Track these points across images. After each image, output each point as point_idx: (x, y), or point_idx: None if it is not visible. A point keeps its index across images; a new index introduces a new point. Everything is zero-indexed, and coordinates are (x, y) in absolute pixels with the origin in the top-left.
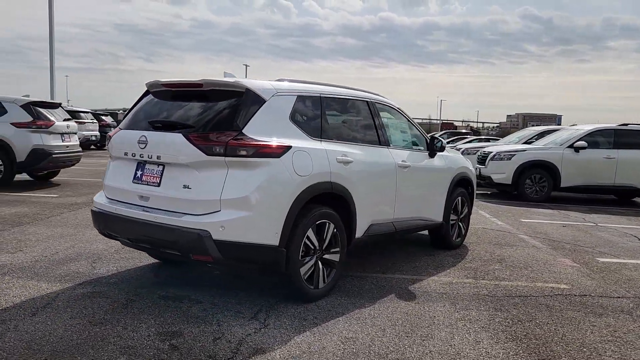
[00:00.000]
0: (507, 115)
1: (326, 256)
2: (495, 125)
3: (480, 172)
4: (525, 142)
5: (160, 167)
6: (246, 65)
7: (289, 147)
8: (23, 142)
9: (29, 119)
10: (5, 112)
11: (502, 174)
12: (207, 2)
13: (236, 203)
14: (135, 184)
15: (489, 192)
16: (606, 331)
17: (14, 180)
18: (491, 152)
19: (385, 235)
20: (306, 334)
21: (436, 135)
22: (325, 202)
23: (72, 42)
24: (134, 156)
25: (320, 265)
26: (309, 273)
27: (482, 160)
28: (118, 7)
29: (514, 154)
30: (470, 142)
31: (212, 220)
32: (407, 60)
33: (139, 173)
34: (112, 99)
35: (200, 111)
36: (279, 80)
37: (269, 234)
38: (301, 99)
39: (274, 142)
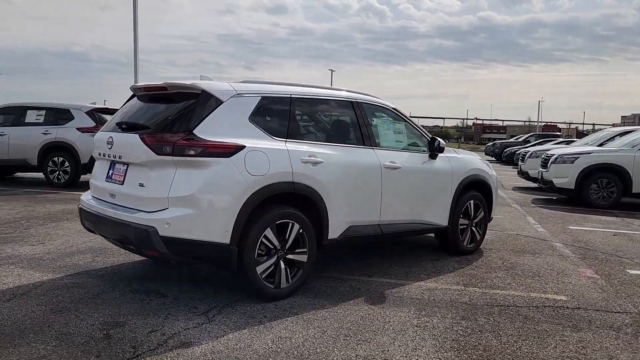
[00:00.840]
0: (622, 116)
1: (290, 256)
2: (608, 126)
3: (542, 175)
4: (600, 144)
5: (125, 167)
6: (332, 70)
7: (242, 147)
8: (86, 146)
9: (92, 124)
10: (72, 118)
11: (564, 177)
12: (304, 10)
13: (182, 201)
14: (107, 182)
15: (554, 198)
16: (574, 347)
17: (80, 181)
18: (554, 154)
19: (369, 237)
20: (244, 331)
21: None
22: (289, 202)
23: (181, 54)
24: (106, 156)
25: (283, 265)
26: (268, 272)
27: (544, 163)
28: (221, 19)
29: (578, 157)
30: (557, 144)
31: (159, 217)
32: (508, 60)
33: (110, 172)
34: None
35: (161, 112)
36: (244, 82)
37: (218, 232)
38: (266, 99)
39: (225, 142)
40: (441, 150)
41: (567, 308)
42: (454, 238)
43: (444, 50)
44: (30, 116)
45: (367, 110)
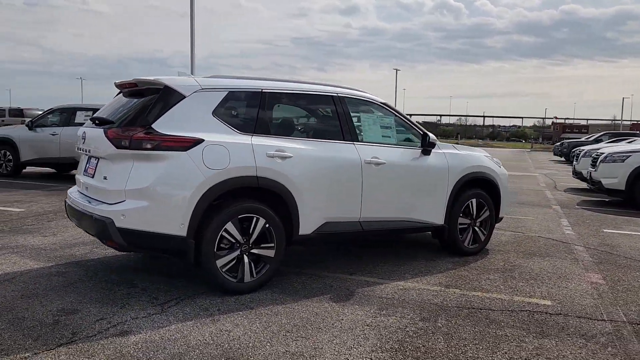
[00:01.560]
0: None
1: (255, 251)
2: None
3: (590, 175)
4: None
5: (97, 160)
6: (396, 70)
7: (200, 141)
8: None
9: None
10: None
11: (613, 178)
12: (376, 10)
13: (137, 193)
14: (84, 175)
15: (606, 200)
16: (527, 353)
17: None
18: (603, 152)
19: (349, 234)
20: (189, 323)
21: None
22: (254, 196)
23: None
24: (83, 150)
25: (247, 260)
26: (230, 266)
27: (593, 162)
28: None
29: (629, 155)
30: (630, 142)
31: (116, 209)
32: (593, 55)
33: (86, 165)
34: None
35: (130, 107)
36: (213, 76)
37: (173, 224)
38: (234, 94)
39: (182, 136)
40: (432, 145)
41: (546, 313)
42: (452, 237)
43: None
44: (79, 117)
45: (350, 105)
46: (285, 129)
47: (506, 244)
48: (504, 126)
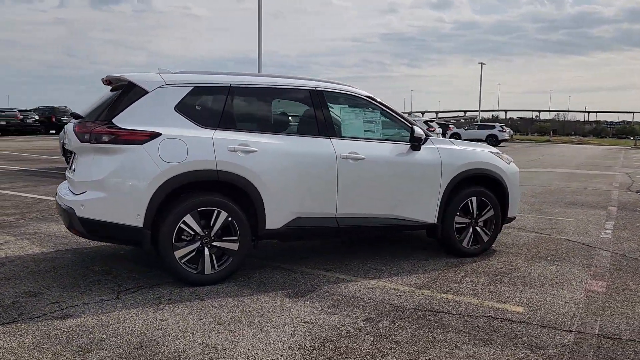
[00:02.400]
0: None
1: (217, 243)
2: None
3: None
4: None
5: (72, 154)
6: (481, 64)
7: (157, 135)
8: None
9: None
10: None
11: None
12: (470, 3)
13: (95, 185)
14: (68, 170)
15: None
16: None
17: None
18: None
19: (323, 230)
20: (130, 310)
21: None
22: (217, 189)
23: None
24: (68, 145)
25: (207, 252)
26: (190, 258)
27: None
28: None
29: None
30: None
31: (77, 199)
32: None
33: (71, 159)
34: None
35: (102, 103)
36: (181, 72)
37: (129, 215)
38: (199, 89)
39: (139, 130)
40: (417, 140)
41: (507, 320)
42: (448, 237)
43: (636, 35)
44: None
45: (329, 99)
46: (253, 124)
47: (521, 245)
48: (611, 122)
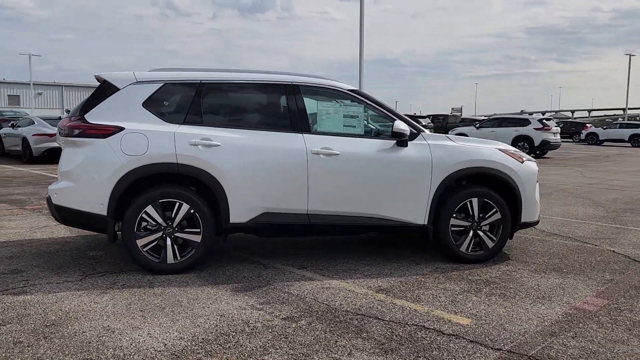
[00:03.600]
0: None
1: (180, 234)
2: None
3: None
4: None
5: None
6: (630, 55)
7: (120, 129)
8: None
9: None
10: None
11: None
12: None
13: (65, 175)
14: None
15: None
16: None
17: None
18: None
19: (293, 227)
20: (77, 292)
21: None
22: (180, 182)
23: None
24: None
25: (169, 242)
26: (152, 247)
27: None
28: (530, 11)
29: None
30: None
31: (53, 187)
32: None
33: None
34: (517, 103)
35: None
36: (157, 69)
37: (94, 204)
38: (168, 86)
39: (104, 124)
40: (398, 135)
41: (439, 332)
42: (442, 241)
43: None
44: None
45: (306, 94)
46: (222, 119)
47: (545, 254)
48: None
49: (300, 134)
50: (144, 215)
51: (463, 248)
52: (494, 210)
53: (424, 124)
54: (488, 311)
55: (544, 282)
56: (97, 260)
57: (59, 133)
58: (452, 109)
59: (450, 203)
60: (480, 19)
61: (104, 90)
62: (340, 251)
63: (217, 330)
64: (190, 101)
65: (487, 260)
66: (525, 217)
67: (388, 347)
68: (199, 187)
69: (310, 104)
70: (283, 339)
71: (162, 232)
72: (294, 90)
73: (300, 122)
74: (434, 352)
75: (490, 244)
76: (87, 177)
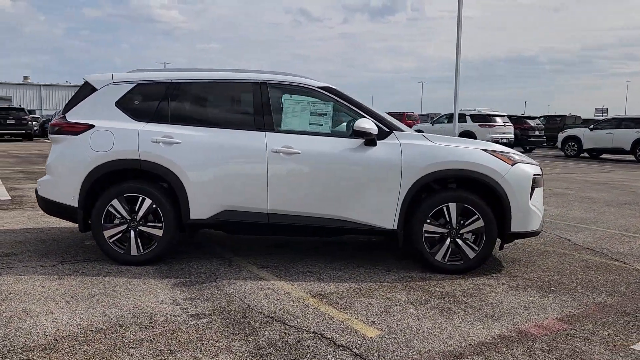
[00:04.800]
0: None
1: (143, 228)
2: None
3: None
4: None
5: None
6: None
7: (90, 127)
8: None
9: None
10: None
11: None
12: None
13: (47, 169)
14: None
15: None
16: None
17: None
18: None
19: (252, 225)
20: (33, 277)
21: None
22: (143, 177)
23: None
24: None
25: (133, 235)
26: (117, 238)
27: None
28: None
29: None
30: None
31: (39, 180)
32: None
33: None
34: None
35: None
36: (135, 70)
37: (67, 196)
38: (140, 86)
39: (78, 122)
40: (360, 134)
41: (330, 342)
42: (415, 248)
43: None
44: None
45: (273, 92)
46: (187, 118)
47: (543, 269)
48: None
49: (263, 132)
50: (110, 209)
51: (439, 257)
52: (476, 217)
53: (532, 125)
54: (409, 326)
55: (512, 299)
56: (85, 249)
57: (48, 131)
58: (596, 109)
59: (424, 207)
60: (631, 9)
61: (85, 90)
62: (315, 253)
63: (118, 321)
64: (158, 100)
65: (468, 272)
66: (517, 226)
67: (262, 352)
68: (160, 182)
69: (278, 102)
70: (168, 334)
71: (127, 225)
72: (260, 88)
73: (263, 120)
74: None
75: (471, 254)
76: (62, 171)
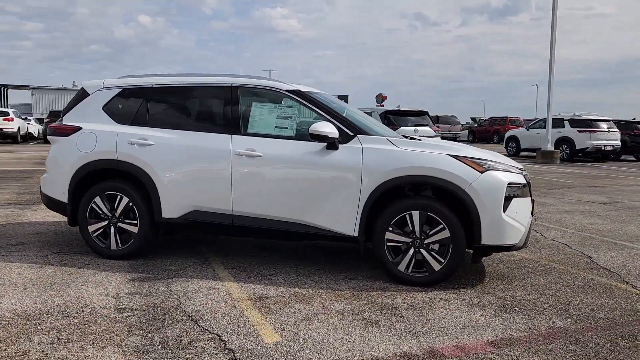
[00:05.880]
0: None
1: (121, 224)
2: None
3: None
4: None
5: None
6: None
7: (78, 129)
8: None
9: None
10: None
11: None
12: None
13: (46, 167)
14: None
15: None
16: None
17: None
18: None
19: (218, 226)
20: (22, 265)
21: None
22: (121, 177)
23: None
24: None
25: (112, 230)
26: (100, 233)
27: None
28: None
29: None
30: None
31: (42, 177)
32: None
33: None
34: None
35: None
36: (125, 76)
37: (59, 192)
38: (125, 91)
39: (68, 125)
40: (316, 137)
41: (220, 344)
42: (377, 257)
43: None
44: None
45: (243, 95)
46: (163, 121)
47: (523, 287)
48: None
49: (229, 135)
50: (94, 205)
51: (401, 267)
52: (441, 226)
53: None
54: (318, 335)
55: (457, 317)
56: (82, 243)
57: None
58: None
59: (386, 215)
60: None
61: (80, 95)
62: (294, 257)
63: (49, 309)
64: (139, 104)
65: (433, 284)
66: (488, 239)
67: (149, 349)
68: (134, 181)
69: (246, 105)
70: (81, 325)
71: (107, 221)
72: (231, 92)
73: (231, 124)
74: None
75: (436, 266)
76: (55, 169)
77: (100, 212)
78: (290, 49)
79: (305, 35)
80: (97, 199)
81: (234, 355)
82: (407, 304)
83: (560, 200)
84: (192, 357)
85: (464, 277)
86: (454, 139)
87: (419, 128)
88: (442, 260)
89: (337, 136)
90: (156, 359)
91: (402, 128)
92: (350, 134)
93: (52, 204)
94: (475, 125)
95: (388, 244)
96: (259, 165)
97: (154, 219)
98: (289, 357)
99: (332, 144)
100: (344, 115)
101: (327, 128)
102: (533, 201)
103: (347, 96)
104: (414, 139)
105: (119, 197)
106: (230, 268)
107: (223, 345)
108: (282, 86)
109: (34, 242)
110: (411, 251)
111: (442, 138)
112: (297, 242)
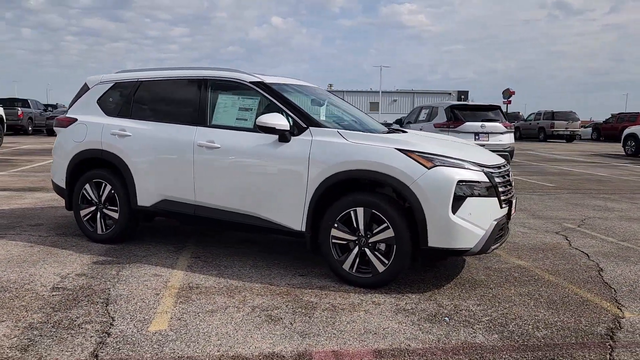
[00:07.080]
0: None
1: (105, 210)
2: None
3: None
4: None
5: None
6: None
7: (74, 121)
8: None
9: (445, 120)
10: (436, 115)
11: None
12: None
13: (52, 155)
14: None
15: None
16: None
17: None
18: None
19: (183, 216)
20: (18, 242)
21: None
22: (106, 165)
23: None
24: None
25: (99, 215)
26: (89, 217)
27: None
28: None
29: None
30: None
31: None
32: None
33: None
34: None
35: None
36: (119, 71)
37: (60, 178)
38: (117, 85)
39: (68, 117)
40: (266, 130)
41: (106, 328)
42: (323, 254)
43: None
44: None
45: (213, 87)
46: (143, 113)
47: (501, 302)
48: None
49: (195, 127)
50: (84, 192)
51: (346, 266)
52: (385, 225)
53: None
54: (207, 327)
55: (371, 322)
56: (74, 229)
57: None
58: None
59: (332, 210)
60: None
61: (82, 89)
62: (265, 251)
63: (9, 285)
64: (127, 98)
65: (378, 286)
66: (435, 241)
67: (36, 326)
68: (115, 170)
69: (213, 98)
70: (3, 299)
71: (95, 207)
72: (201, 84)
73: (198, 115)
74: (63, 342)
75: (380, 267)
76: (57, 157)
77: (90, 198)
78: (417, 44)
79: (433, 30)
80: (87, 186)
81: (106, 339)
82: (331, 304)
83: (635, 206)
84: (68, 337)
85: (426, 281)
86: (571, 137)
87: (486, 124)
88: (386, 262)
89: (286, 128)
90: (38, 335)
91: (467, 123)
92: (304, 126)
93: (56, 188)
94: (602, 122)
95: (334, 241)
96: (215, 157)
97: (131, 209)
98: (155, 345)
99: (282, 136)
100: (304, 108)
101: (276, 120)
102: (510, 202)
103: (467, 91)
104: (397, 131)
105: (103, 184)
106: (195, 257)
107: (107, 329)
108: (245, 77)
109: (50, 224)
110: (355, 250)
111: (557, 136)
112: (253, 234)
